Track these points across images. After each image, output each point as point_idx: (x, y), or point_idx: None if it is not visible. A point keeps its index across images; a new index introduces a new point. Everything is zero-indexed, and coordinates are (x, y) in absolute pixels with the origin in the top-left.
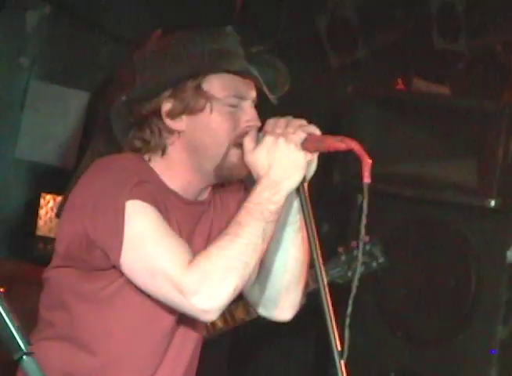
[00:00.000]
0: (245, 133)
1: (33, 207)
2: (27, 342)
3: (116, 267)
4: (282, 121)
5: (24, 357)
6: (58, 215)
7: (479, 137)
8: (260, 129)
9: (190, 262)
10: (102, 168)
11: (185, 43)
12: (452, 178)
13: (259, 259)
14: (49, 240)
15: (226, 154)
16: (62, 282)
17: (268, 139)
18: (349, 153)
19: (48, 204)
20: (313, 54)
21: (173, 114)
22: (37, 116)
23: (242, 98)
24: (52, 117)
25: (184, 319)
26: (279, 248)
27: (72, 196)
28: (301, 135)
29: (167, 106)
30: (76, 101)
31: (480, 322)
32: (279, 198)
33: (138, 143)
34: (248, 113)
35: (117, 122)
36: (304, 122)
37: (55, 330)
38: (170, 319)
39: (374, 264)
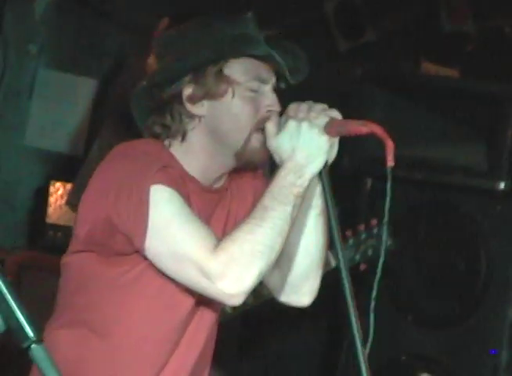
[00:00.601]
0: (266, 118)
1: (42, 195)
2: (37, 330)
3: (138, 252)
4: (304, 106)
5: (33, 345)
6: (68, 203)
7: (488, 120)
8: (280, 114)
9: (216, 246)
10: (125, 153)
11: (207, 28)
12: (461, 161)
13: (283, 243)
14: (59, 228)
15: (248, 139)
16: (82, 267)
17: (292, 124)
18: (358, 137)
19: (58, 191)
20: (321, 38)
21: (194, 99)
22: (45, 103)
23: (263, 82)
24: (60, 105)
25: (201, 304)
26: (299, 233)
27: (93, 180)
28: (323, 119)
29: (188, 90)
30: (84, 88)
31: (491, 304)
32: (303, 182)
33: (158, 129)
34: (269, 98)
35: (137, 108)
36: (326, 106)
37: (72, 315)
38: (188, 305)
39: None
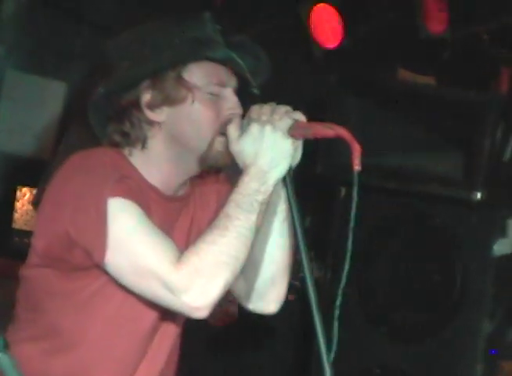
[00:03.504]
0: (228, 121)
1: (9, 200)
2: (2, 340)
3: (98, 266)
4: (267, 108)
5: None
6: (34, 204)
7: (465, 128)
8: (243, 117)
9: (178, 258)
10: (81, 163)
11: (164, 31)
12: (437, 171)
13: (248, 252)
14: (26, 234)
15: (211, 144)
16: (40, 281)
17: (254, 127)
18: (332, 144)
19: (25, 196)
20: (296, 42)
21: (153, 105)
22: (13, 106)
23: (223, 85)
24: (28, 108)
25: (165, 317)
26: (264, 239)
27: (50, 192)
28: (287, 122)
29: (146, 97)
30: (53, 91)
31: (466, 317)
32: (268, 188)
33: (117, 137)
34: (230, 101)
35: (95, 115)
36: (289, 108)
37: (32, 331)
38: (151, 318)
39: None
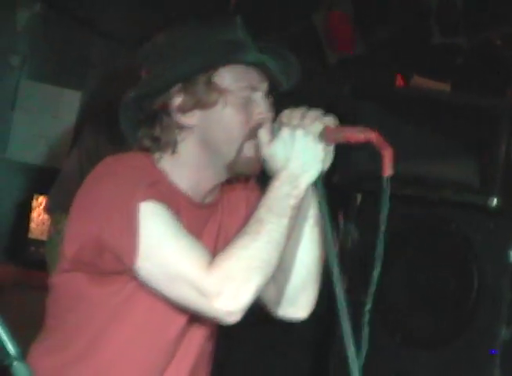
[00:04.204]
0: (259, 125)
1: (25, 210)
2: (18, 348)
3: (127, 271)
4: (298, 112)
5: (15, 363)
6: (46, 210)
7: (480, 135)
8: (274, 121)
9: (210, 263)
10: (112, 167)
11: (195, 35)
12: (452, 177)
13: (280, 256)
14: (41, 243)
15: (240, 149)
16: (70, 287)
17: (286, 131)
18: (349, 152)
19: (41, 205)
20: (311, 51)
21: (184, 109)
22: (28, 116)
23: (254, 89)
24: (43, 117)
25: (193, 322)
26: (295, 244)
27: (80, 198)
28: (318, 127)
29: (177, 100)
30: (67, 100)
31: (482, 323)
32: (299, 192)
33: (147, 142)
34: (261, 105)
35: (125, 120)
36: (320, 113)
37: (59, 339)
38: (180, 324)
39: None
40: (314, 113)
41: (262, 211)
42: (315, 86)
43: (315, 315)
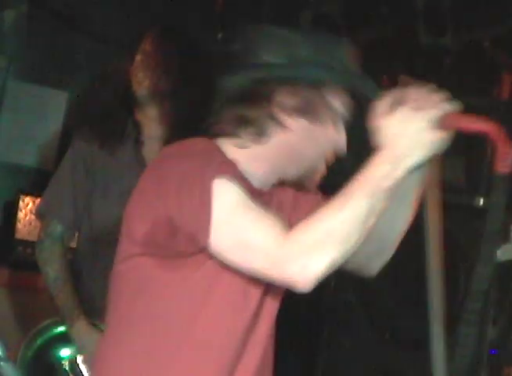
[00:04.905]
0: (332, 157)
1: (12, 210)
2: (4, 348)
3: (201, 253)
4: (423, 93)
5: (2, 363)
6: (36, 215)
7: (467, 134)
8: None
9: (285, 233)
10: (181, 151)
11: (317, 46)
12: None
13: (364, 235)
14: (28, 244)
15: (314, 170)
16: (140, 272)
17: (405, 109)
18: (469, 135)
19: (28, 206)
20: None
21: (294, 112)
22: (15, 116)
23: (342, 118)
24: (30, 118)
25: (264, 302)
26: (385, 221)
27: (148, 181)
28: (439, 112)
29: (291, 101)
30: (54, 101)
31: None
32: (397, 174)
33: (234, 122)
34: (342, 138)
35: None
36: (444, 97)
37: (129, 340)
38: (256, 300)
39: None
40: (438, 96)
41: (352, 187)
42: None
43: (304, 319)
